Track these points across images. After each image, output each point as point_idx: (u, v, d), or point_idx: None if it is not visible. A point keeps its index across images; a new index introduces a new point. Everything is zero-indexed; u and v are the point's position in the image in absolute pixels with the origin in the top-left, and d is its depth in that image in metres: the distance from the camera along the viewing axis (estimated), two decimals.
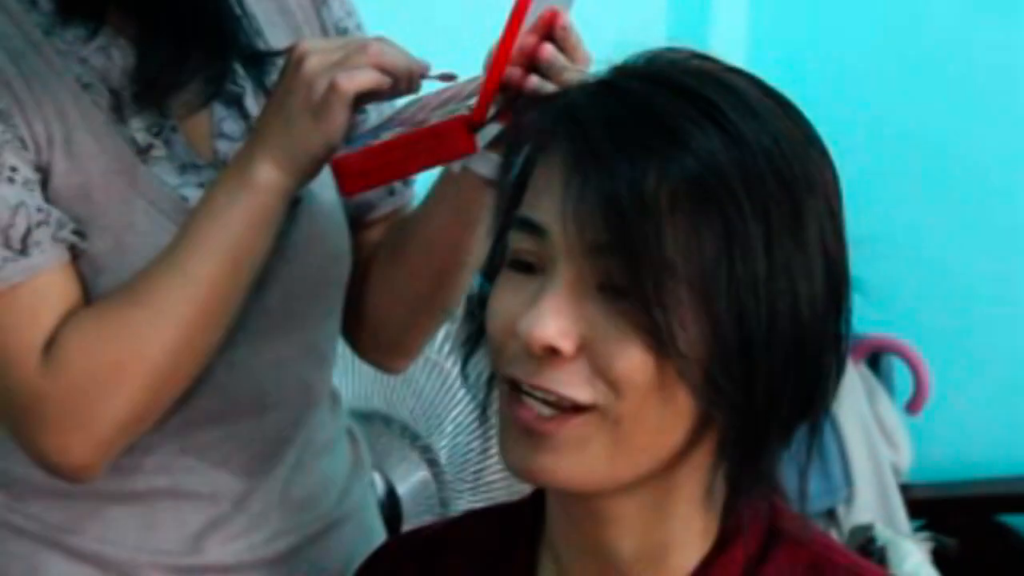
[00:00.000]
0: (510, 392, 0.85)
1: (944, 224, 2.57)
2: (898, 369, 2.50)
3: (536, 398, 0.83)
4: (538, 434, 0.83)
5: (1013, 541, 2.48)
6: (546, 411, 0.82)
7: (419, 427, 1.98)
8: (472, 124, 0.96)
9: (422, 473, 1.97)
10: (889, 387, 2.50)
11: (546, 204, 0.83)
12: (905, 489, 2.45)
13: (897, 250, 2.45)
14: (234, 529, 1.13)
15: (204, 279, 1.02)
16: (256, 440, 1.13)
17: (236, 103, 1.11)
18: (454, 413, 1.99)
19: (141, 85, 1.06)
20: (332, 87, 0.98)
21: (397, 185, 1.21)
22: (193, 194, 1.07)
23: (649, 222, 0.78)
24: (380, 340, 1.24)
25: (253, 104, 1.11)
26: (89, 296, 1.05)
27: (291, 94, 1.00)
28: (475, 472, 1.98)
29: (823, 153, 0.86)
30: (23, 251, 1.00)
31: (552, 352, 0.81)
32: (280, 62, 1.09)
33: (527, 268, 0.84)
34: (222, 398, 1.10)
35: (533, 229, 0.83)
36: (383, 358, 1.27)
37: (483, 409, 0.92)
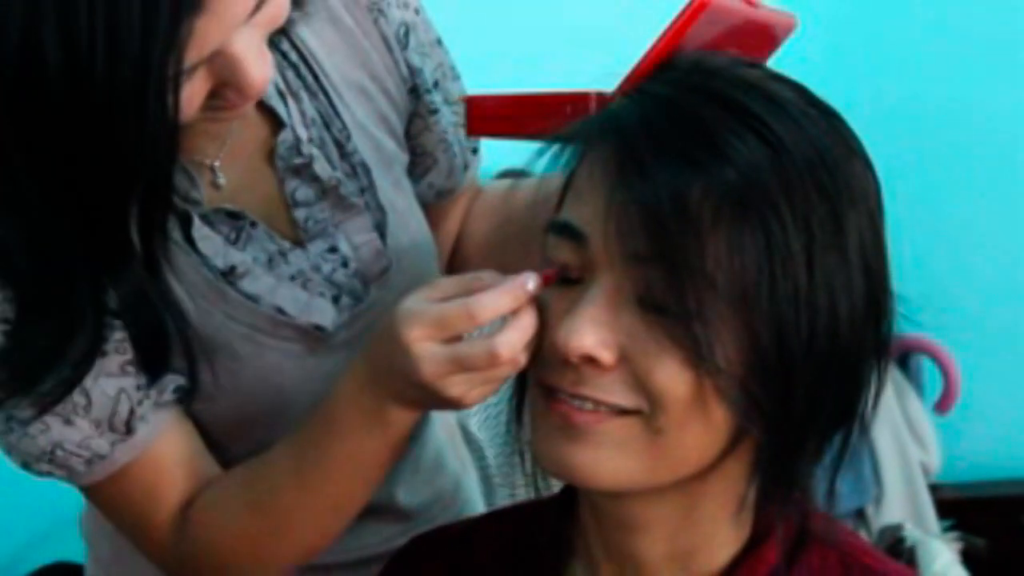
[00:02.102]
0: (546, 395, 0.85)
1: (976, 223, 2.56)
2: (928, 369, 2.49)
3: (575, 401, 0.83)
4: (576, 427, 0.83)
5: None
6: (588, 405, 0.82)
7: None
8: (605, 101, 0.92)
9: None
10: (918, 387, 2.49)
11: (587, 210, 0.83)
12: (934, 489, 2.44)
13: (927, 250, 2.46)
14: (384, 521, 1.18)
15: (336, 497, 1.01)
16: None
17: (304, 171, 1.09)
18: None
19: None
20: (464, 406, 0.93)
21: (470, 157, 1.23)
22: (288, 295, 1.06)
23: (691, 234, 0.78)
24: None
25: (325, 167, 1.09)
26: (208, 416, 1.06)
27: (418, 389, 0.92)
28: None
29: (866, 163, 0.85)
30: (129, 431, 1.01)
31: (591, 361, 0.81)
32: (336, 103, 1.10)
33: (565, 281, 0.84)
34: None
35: (573, 234, 0.83)
36: None
37: (519, 410, 0.93)
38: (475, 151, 1.25)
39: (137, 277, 0.94)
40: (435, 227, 1.21)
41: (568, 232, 0.84)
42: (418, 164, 1.21)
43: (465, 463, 1.33)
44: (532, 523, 0.99)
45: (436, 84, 1.18)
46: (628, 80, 0.90)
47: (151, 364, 1.01)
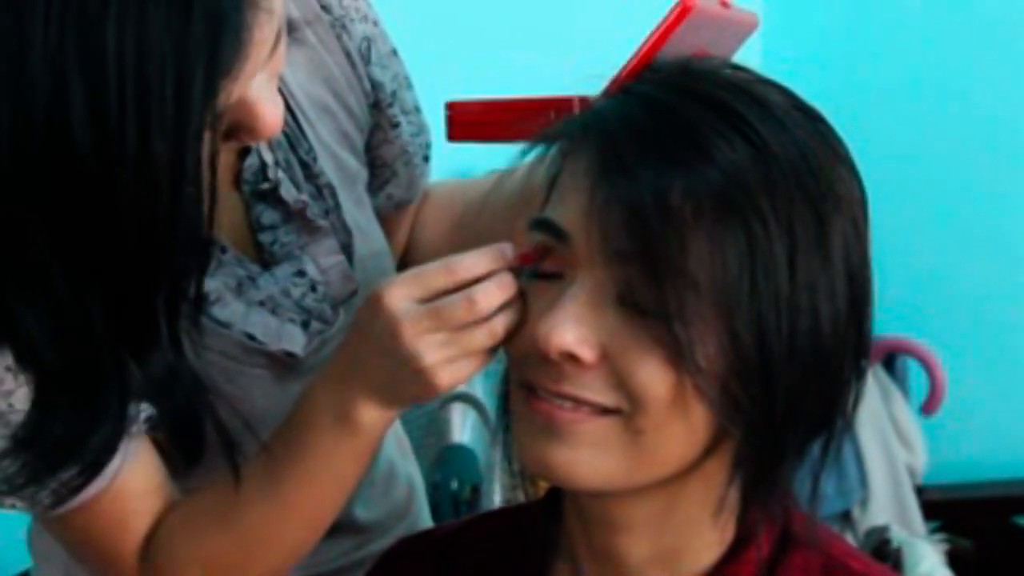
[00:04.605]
0: (528, 394, 0.85)
1: (960, 224, 2.56)
2: (913, 370, 2.50)
3: (556, 399, 0.83)
4: (557, 426, 0.83)
5: None
6: (568, 404, 0.82)
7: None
8: (589, 106, 0.91)
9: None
10: (904, 388, 2.49)
11: (570, 208, 0.83)
12: (920, 491, 2.44)
13: (912, 251, 2.46)
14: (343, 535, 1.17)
15: (308, 509, 1.00)
16: None
17: (270, 194, 1.08)
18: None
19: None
20: (438, 384, 0.90)
21: (424, 166, 1.23)
22: (258, 321, 1.06)
23: (672, 232, 0.78)
24: None
25: (291, 190, 1.08)
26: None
27: (394, 361, 0.90)
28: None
29: (851, 169, 0.85)
30: None
31: (572, 359, 0.81)
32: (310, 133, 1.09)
33: (546, 275, 0.85)
34: None
35: (554, 232, 0.84)
36: None
37: (504, 415, 0.92)
38: (426, 159, 1.24)
39: (165, 359, 0.91)
40: (388, 237, 1.20)
41: (550, 229, 0.84)
42: (377, 177, 1.20)
43: (413, 472, 1.33)
44: (518, 525, 0.99)
45: (394, 95, 1.17)
46: (614, 84, 0.90)
47: (186, 446, 1.00)
